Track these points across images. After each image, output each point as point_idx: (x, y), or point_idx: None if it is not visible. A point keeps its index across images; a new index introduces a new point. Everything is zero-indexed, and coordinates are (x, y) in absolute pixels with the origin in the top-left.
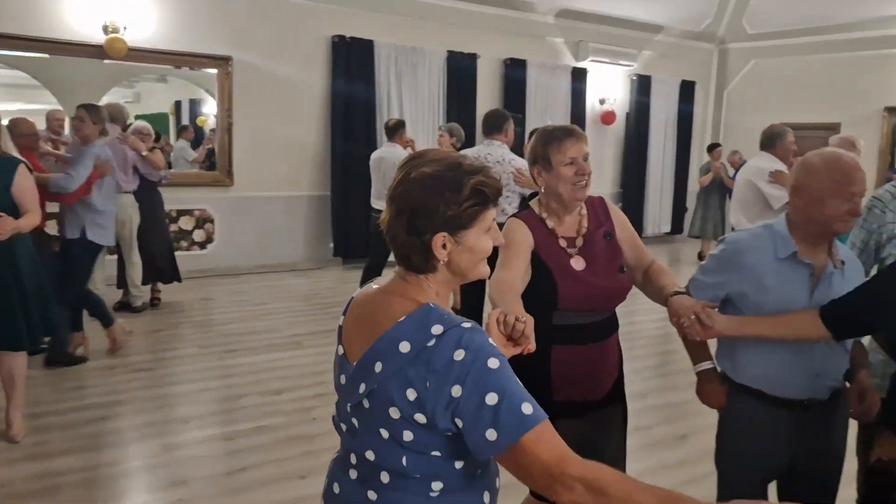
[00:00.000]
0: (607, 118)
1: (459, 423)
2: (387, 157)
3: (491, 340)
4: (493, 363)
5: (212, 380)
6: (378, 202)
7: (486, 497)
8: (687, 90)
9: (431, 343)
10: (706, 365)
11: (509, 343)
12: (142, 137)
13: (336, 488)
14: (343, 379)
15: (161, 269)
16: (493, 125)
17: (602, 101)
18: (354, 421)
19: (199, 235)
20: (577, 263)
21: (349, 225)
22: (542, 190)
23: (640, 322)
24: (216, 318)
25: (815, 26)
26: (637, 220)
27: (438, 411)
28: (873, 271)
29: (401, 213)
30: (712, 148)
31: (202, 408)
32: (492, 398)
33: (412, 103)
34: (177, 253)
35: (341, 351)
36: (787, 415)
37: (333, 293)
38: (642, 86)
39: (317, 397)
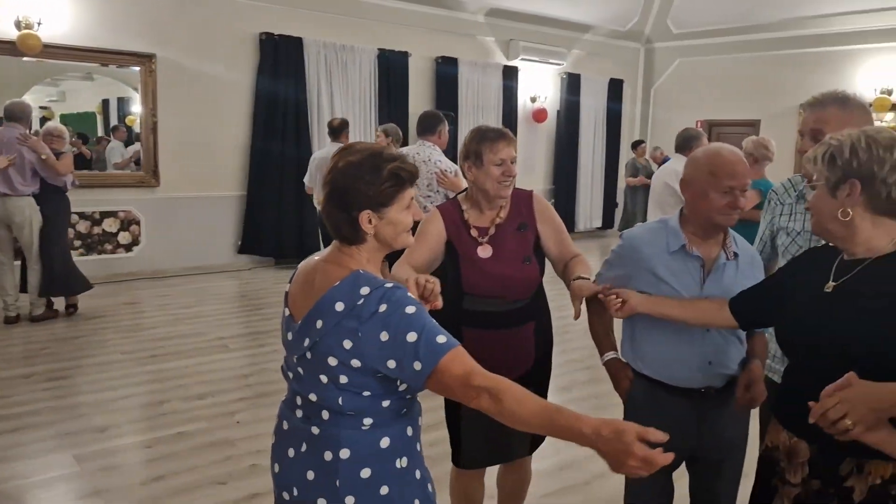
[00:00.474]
0: (539, 116)
1: (392, 363)
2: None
3: (409, 294)
4: (409, 310)
5: (133, 386)
6: None
7: (409, 431)
8: (615, 88)
9: (361, 301)
10: (610, 355)
11: (422, 301)
12: (51, 140)
13: (285, 425)
14: (290, 336)
15: (57, 281)
16: (427, 126)
17: (533, 100)
18: (300, 369)
19: (124, 238)
20: (484, 252)
21: (278, 225)
22: (473, 183)
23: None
24: (141, 322)
25: (736, 26)
26: (569, 216)
27: (372, 355)
28: (781, 262)
29: (332, 195)
30: (636, 145)
31: (121, 416)
32: (412, 336)
33: (343, 102)
34: (101, 256)
35: (287, 313)
36: (687, 403)
37: (265, 294)
38: (572, 84)
39: (241, 401)
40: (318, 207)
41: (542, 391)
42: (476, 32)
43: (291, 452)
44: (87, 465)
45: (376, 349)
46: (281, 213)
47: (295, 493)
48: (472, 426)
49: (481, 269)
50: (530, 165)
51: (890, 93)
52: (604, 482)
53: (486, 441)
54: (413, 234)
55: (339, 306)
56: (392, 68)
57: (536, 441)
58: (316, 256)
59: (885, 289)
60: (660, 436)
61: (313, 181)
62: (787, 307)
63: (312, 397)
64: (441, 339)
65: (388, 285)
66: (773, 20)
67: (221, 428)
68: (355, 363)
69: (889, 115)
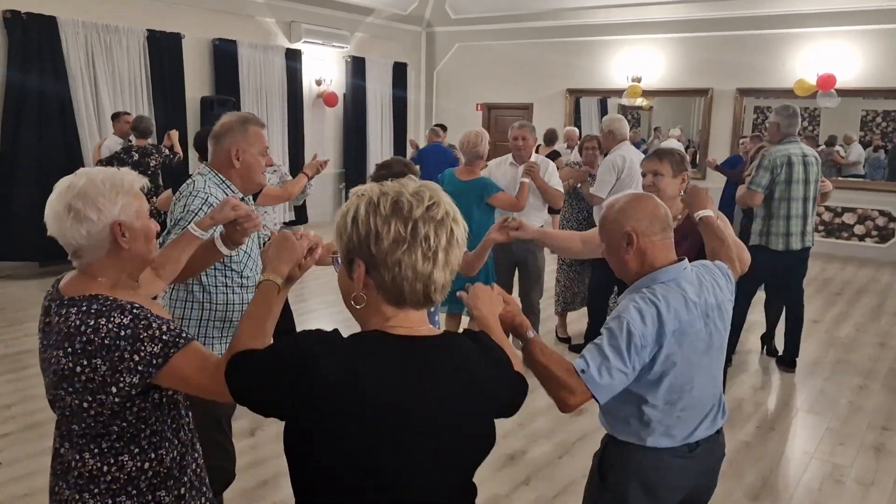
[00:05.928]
0: (330, 100)
1: None
2: None
3: None
4: None
5: None
6: None
7: None
8: (400, 71)
9: None
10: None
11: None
12: None
13: None
14: None
15: None
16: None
17: (319, 83)
18: None
19: None
20: None
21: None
22: None
23: None
24: None
25: (508, 14)
26: None
27: None
28: None
29: None
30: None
31: None
32: None
33: (111, 89)
34: None
35: None
36: None
37: (25, 305)
38: (357, 67)
39: (3, 437)
40: None
41: None
42: (255, 13)
43: None
44: None
45: None
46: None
47: None
48: None
49: None
50: (320, 149)
51: (639, 80)
52: None
53: None
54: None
55: None
56: (164, 51)
57: None
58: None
59: None
60: None
61: None
62: None
63: None
64: None
65: None
66: (541, 10)
67: None
68: None
69: (639, 100)
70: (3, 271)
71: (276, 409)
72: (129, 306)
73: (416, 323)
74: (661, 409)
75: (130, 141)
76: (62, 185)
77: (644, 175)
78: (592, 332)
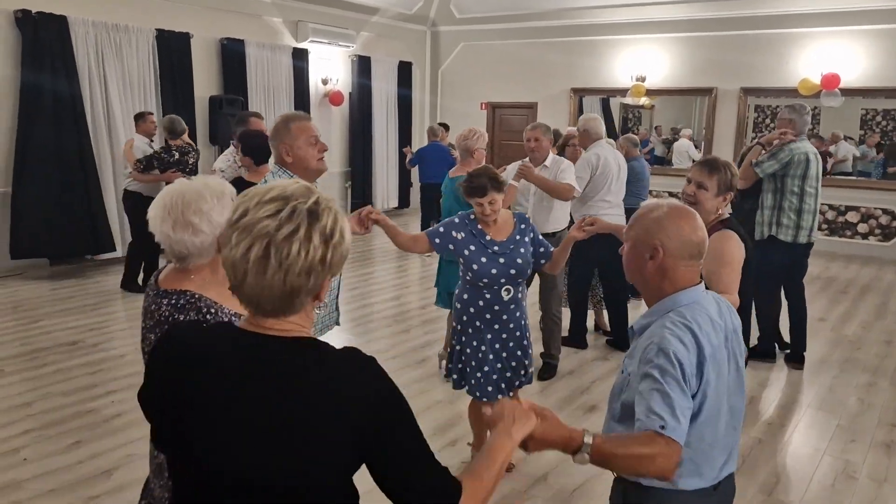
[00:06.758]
0: (336, 99)
1: None
2: None
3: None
4: None
5: None
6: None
7: None
8: (405, 70)
9: None
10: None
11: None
12: None
13: None
14: None
15: None
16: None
17: (325, 82)
18: None
19: None
20: None
21: (51, 223)
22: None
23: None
24: None
25: (513, 14)
26: (367, 197)
27: None
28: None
29: None
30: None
31: None
32: None
33: (119, 88)
34: None
35: None
36: None
37: (40, 304)
38: (363, 66)
39: (25, 434)
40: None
41: None
42: (262, 13)
43: None
44: None
45: None
46: (56, 210)
47: None
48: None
49: None
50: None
51: (643, 79)
52: None
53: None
54: None
55: None
56: (173, 51)
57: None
58: None
59: None
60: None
61: None
62: None
63: None
64: None
65: None
66: (545, 9)
67: (4, 469)
68: None
69: (643, 100)
70: (15, 270)
71: (172, 393)
72: (205, 309)
73: (271, 322)
74: (693, 446)
75: (153, 140)
76: (173, 197)
77: (688, 181)
78: (574, 324)
